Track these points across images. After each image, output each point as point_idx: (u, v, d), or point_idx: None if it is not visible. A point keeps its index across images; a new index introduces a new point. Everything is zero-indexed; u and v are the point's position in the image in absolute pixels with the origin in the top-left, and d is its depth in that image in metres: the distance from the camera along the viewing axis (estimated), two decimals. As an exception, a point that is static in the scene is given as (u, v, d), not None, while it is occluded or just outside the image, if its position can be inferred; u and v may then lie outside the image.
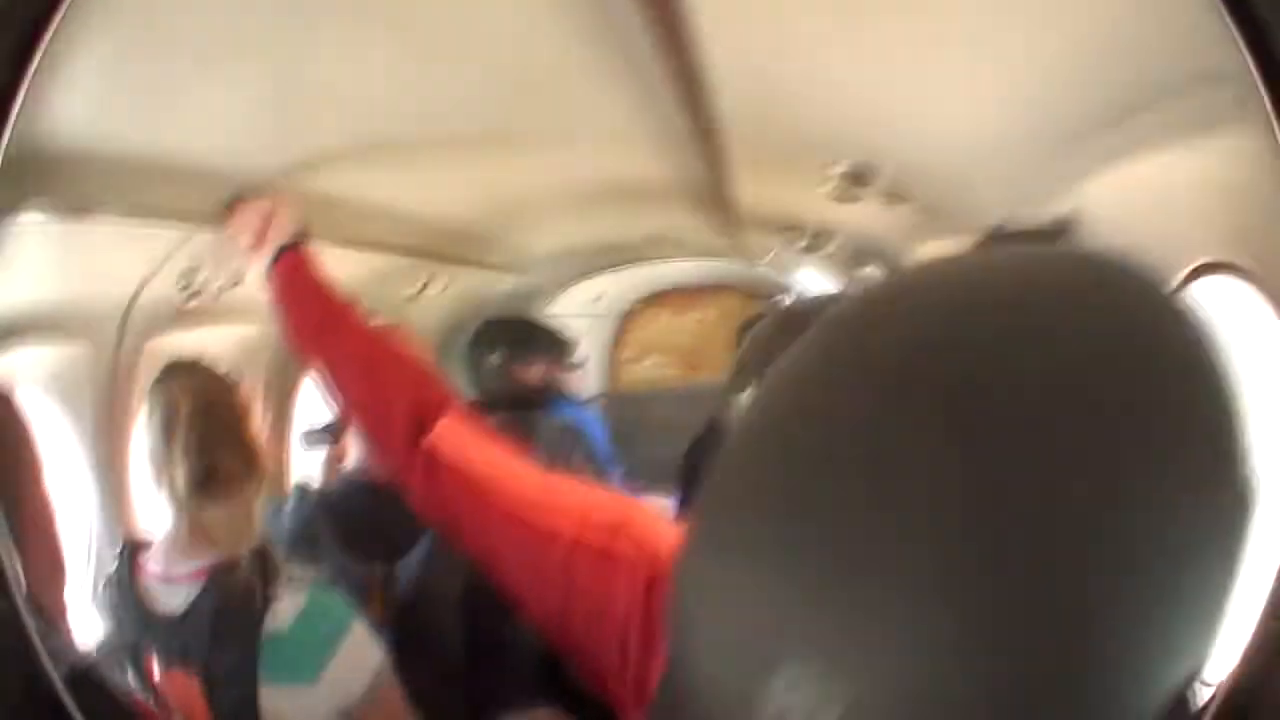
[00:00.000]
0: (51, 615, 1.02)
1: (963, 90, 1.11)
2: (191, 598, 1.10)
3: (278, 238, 1.11)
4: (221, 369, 1.16)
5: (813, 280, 1.28)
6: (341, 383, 1.06)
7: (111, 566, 1.15)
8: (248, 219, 1.12)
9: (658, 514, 0.93)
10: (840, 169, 1.16)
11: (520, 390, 1.31)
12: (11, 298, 1.06)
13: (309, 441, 1.26)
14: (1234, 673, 0.66)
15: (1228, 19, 0.74)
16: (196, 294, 1.16)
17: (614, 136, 1.15)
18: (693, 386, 1.30)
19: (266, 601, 1.09)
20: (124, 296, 1.16)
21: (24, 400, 1.06)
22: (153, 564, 1.14)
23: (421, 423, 0.99)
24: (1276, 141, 0.75)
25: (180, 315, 1.17)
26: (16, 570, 0.98)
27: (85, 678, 0.95)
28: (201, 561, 1.11)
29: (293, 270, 1.10)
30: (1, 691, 0.81)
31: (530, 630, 1.19)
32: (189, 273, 1.16)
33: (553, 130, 1.15)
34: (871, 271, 1.28)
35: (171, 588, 1.12)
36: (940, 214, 1.20)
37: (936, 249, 1.19)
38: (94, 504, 1.21)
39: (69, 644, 1.05)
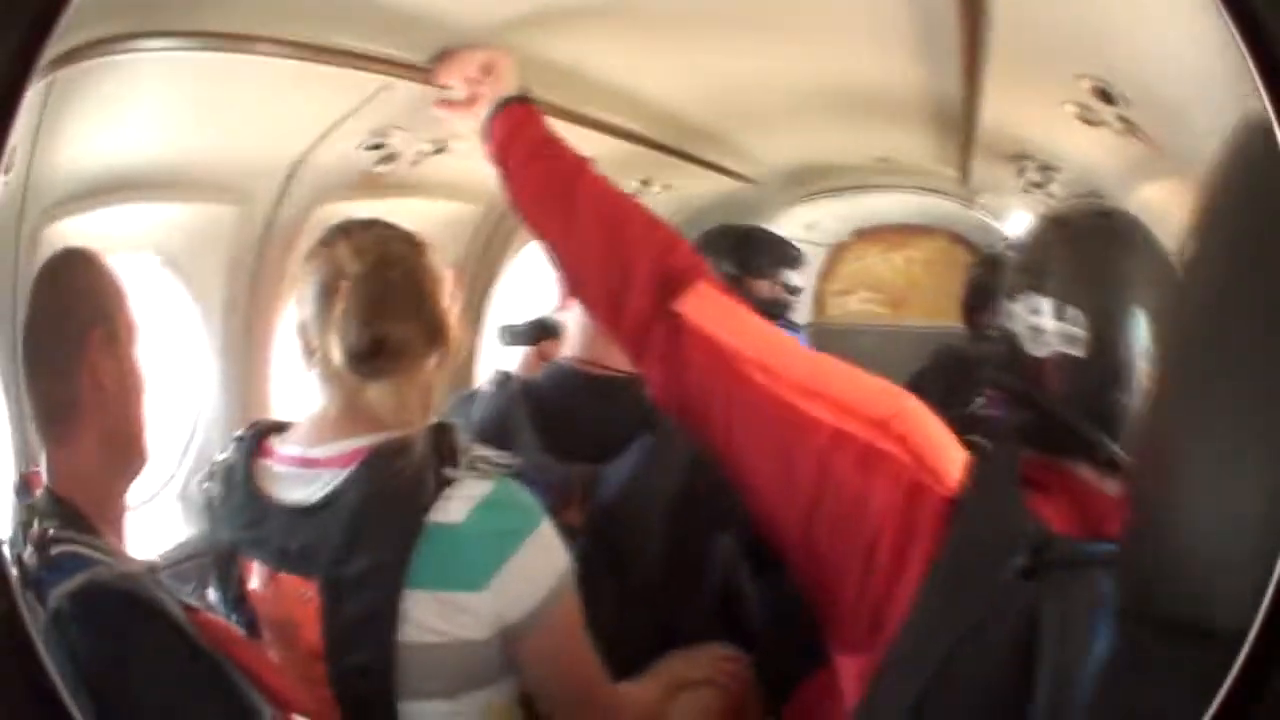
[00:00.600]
0: (92, 516, 0.85)
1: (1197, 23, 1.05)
2: (332, 485, 0.90)
3: (499, 90, 0.98)
4: (404, 229, 0.96)
5: (1024, 227, 1.20)
6: (576, 243, 0.93)
7: (225, 452, 0.97)
8: (463, 70, 0.99)
9: (929, 413, 0.82)
10: (1089, 82, 1.09)
11: (749, 302, 1.20)
12: (119, 145, 0.92)
13: (513, 337, 1.11)
14: (1234, 672, 0.62)
15: (1228, 19, 0.71)
16: (389, 157, 1.01)
17: (873, 34, 1.05)
18: (898, 325, 1.21)
19: (439, 487, 0.89)
20: (293, 152, 1.01)
21: (120, 265, 0.90)
22: (286, 448, 0.95)
23: (667, 287, 0.88)
24: (1276, 141, 0.70)
25: (364, 181, 1.03)
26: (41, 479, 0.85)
27: (103, 591, 0.80)
28: (356, 443, 0.92)
29: (518, 124, 0.96)
30: (1, 691, 0.73)
31: (730, 554, 1.07)
32: (382, 131, 1.01)
33: (807, 17, 1.04)
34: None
35: (306, 474, 0.93)
36: (1163, 152, 1.13)
37: (1151, 192, 1.12)
38: (213, 384, 1.05)
39: (114, 550, 0.86)
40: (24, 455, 0.95)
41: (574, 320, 1.10)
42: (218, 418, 1.05)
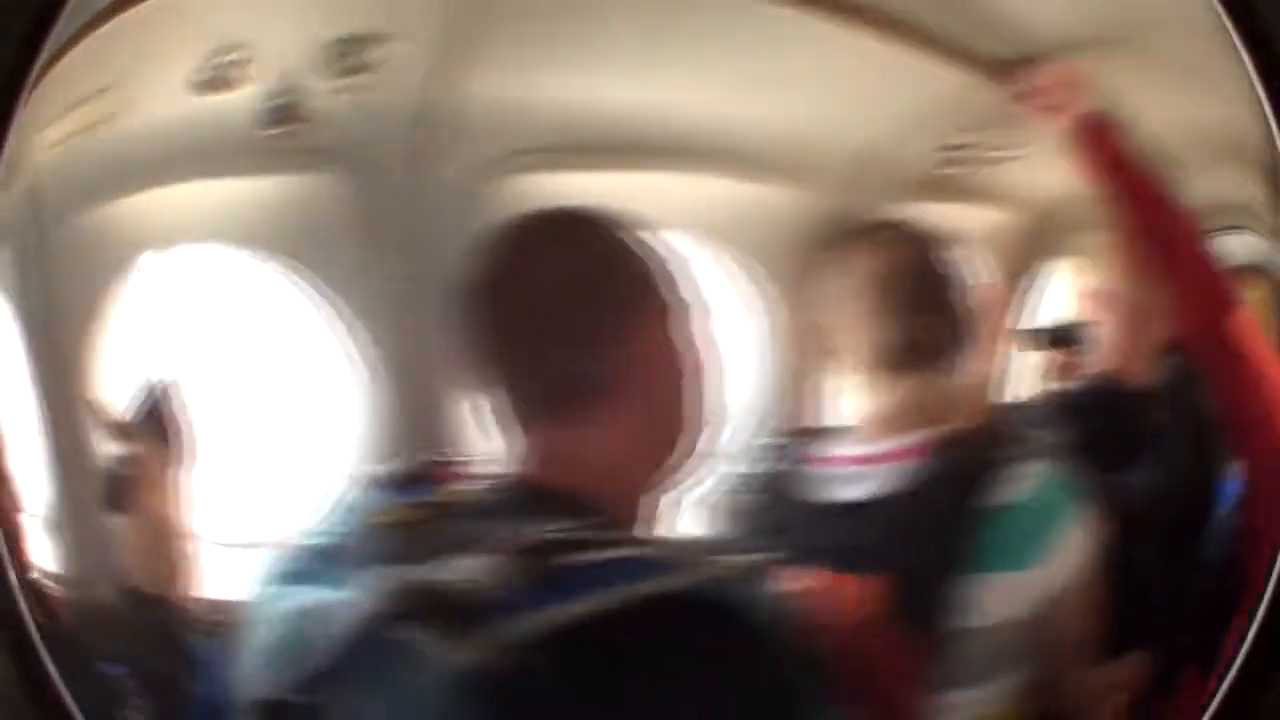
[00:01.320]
0: (618, 512, 0.79)
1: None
2: (886, 480, 0.92)
3: (1087, 102, 0.99)
4: (924, 229, 0.96)
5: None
6: (1177, 257, 1.03)
7: (751, 463, 0.93)
8: (1048, 77, 0.98)
9: None
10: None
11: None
12: (648, 97, 0.87)
13: (1036, 342, 1.08)
14: (1234, 673, 0.82)
15: (1227, 19, 0.83)
16: (958, 160, 0.96)
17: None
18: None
19: (1001, 469, 0.93)
20: (864, 140, 0.94)
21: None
22: (828, 450, 0.95)
23: (1226, 305, 1.06)
24: (1276, 144, 0.94)
25: (927, 181, 0.97)
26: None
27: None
28: (904, 439, 0.93)
29: (1116, 138, 0.99)
30: (1, 692, 0.75)
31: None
32: (956, 132, 0.96)
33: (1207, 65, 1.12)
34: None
35: (854, 472, 0.94)
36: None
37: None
38: (752, 378, 0.95)
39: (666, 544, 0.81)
40: (412, 441, 0.81)
41: (1107, 335, 1.12)
42: (751, 414, 0.94)
